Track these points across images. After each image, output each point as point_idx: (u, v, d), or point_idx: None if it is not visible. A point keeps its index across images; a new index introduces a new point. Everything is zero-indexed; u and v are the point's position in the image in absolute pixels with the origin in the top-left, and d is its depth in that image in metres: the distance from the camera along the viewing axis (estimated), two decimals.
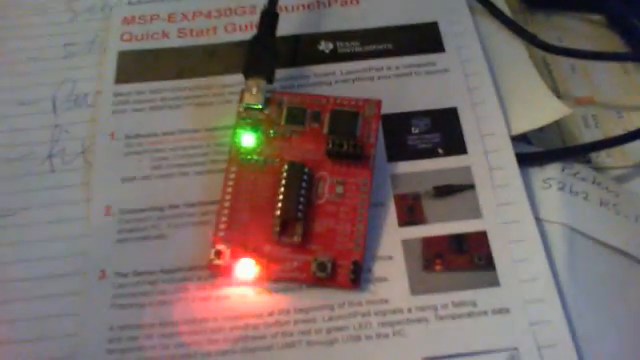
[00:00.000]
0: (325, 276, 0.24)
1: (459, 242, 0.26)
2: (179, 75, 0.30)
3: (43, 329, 0.24)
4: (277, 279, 0.25)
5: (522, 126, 0.29)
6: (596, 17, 0.36)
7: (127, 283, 0.25)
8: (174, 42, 0.31)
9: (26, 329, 0.24)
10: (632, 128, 0.30)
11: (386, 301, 0.25)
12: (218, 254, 0.25)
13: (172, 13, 0.32)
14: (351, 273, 0.25)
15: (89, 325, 0.24)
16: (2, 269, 0.26)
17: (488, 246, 0.26)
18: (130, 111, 0.29)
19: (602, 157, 0.31)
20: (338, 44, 0.31)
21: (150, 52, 0.31)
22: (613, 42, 0.35)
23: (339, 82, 0.30)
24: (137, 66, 0.31)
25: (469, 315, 0.24)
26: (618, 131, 0.31)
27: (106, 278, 0.25)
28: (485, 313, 0.24)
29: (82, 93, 0.30)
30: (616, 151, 0.31)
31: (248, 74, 0.27)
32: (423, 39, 0.31)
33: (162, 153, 0.28)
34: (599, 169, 0.30)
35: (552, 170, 0.28)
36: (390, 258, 0.25)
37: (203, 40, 0.31)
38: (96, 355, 0.24)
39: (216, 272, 0.25)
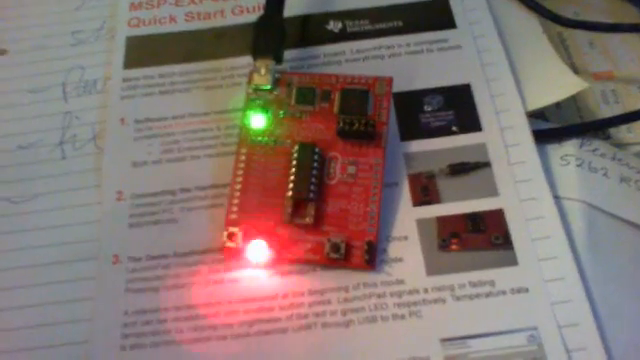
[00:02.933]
0: (339, 257, 0.24)
1: (475, 221, 0.25)
2: (187, 59, 0.30)
3: (58, 315, 0.24)
4: (290, 261, 0.25)
5: (538, 102, 0.28)
6: None
7: (140, 267, 0.25)
8: (182, 26, 0.31)
9: (41, 315, 0.24)
10: None
11: (402, 282, 0.24)
12: (231, 236, 0.25)
13: None
14: (365, 254, 0.24)
15: (104, 310, 0.24)
16: (16, 256, 0.26)
17: (505, 224, 0.25)
18: (139, 96, 0.29)
19: (622, 132, 0.30)
20: (347, 23, 0.31)
21: (158, 36, 0.31)
22: (631, 15, 0.34)
23: (349, 61, 0.29)
24: (145, 51, 0.30)
25: (487, 295, 0.24)
26: (639, 106, 0.30)
27: (120, 263, 0.25)
28: (503, 293, 0.24)
29: (91, 79, 0.30)
30: (637, 126, 0.30)
31: (256, 55, 0.27)
32: (434, 15, 0.31)
33: (172, 137, 0.28)
34: (619, 145, 0.29)
35: (570, 147, 0.28)
36: (405, 238, 0.25)
37: (211, 23, 0.31)
38: (111, 340, 0.24)
39: (229, 255, 0.25)
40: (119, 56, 0.30)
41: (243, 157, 0.26)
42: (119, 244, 0.26)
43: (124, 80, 0.29)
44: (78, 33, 0.32)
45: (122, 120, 0.28)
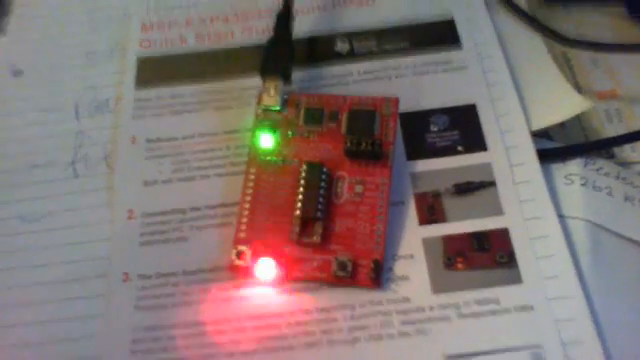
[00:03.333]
0: (346, 275, 0.24)
1: (480, 240, 0.26)
2: (198, 79, 0.31)
3: (68, 331, 0.25)
4: (298, 279, 0.25)
5: (542, 121, 0.29)
6: (615, 9, 0.35)
7: (150, 285, 0.25)
8: (192, 47, 0.32)
9: (51, 331, 0.25)
10: None
11: (408, 300, 0.24)
12: (239, 255, 0.25)
13: (189, 18, 0.33)
14: (372, 272, 0.24)
15: (113, 327, 0.25)
16: (28, 273, 0.26)
17: (510, 243, 0.25)
18: (150, 116, 0.30)
19: (626, 152, 0.30)
20: (354, 44, 0.31)
21: (169, 57, 0.32)
22: (635, 34, 0.34)
23: (356, 82, 0.30)
24: (156, 71, 0.31)
25: (492, 313, 0.24)
26: None
27: (129, 281, 0.26)
28: (508, 311, 0.24)
29: (104, 99, 0.31)
30: None
31: (265, 76, 0.27)
32: (440, 36, 0.31)
33: (183, 156, 0.28)
34: (623, 164, 0.29)
35: (574, 166, 0.28)
36: (411, 257, 0.25)
37: (220, 44, 0.32)
38: (120, 356, 0.24)
39: (237, 273, 0.25)
40: (130, 76, 0.31)
41: (252, 176, 0.26)
42: (129, 262, 0.26)
43: (136, 100, 0.30)
44: (91, 54, 0.32)
45: (133, 139, 0.29)
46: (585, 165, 0.28)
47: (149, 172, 0.28)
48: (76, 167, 0.29)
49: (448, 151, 0.28)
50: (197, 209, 0.27)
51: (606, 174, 0.28)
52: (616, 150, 0.30)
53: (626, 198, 0.27)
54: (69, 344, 0.25)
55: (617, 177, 0.28)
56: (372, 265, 0.25)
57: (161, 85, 0.31)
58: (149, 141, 0.29)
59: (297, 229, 0.25)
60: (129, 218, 0.27)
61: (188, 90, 0.30)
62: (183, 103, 0.30)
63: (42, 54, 0.33)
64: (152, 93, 0.30)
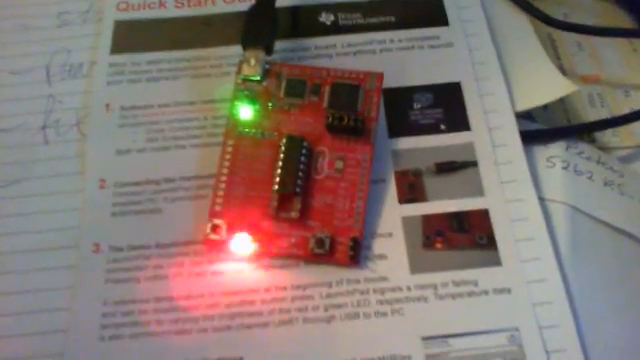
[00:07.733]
0: (323, 253, 0.24)
1: (460, 220, 0.25)
2: (176, 46, 0.30)
3: (36, 303, 0.24)
4: (274, 255, 0.24)
5: (526, 103, 0.28)
6: None
7: (122, 257, 0.25)
8: (171, 12, 0.31)
9: (19, 303, 0.24)
10: (639, 107, 0.29)
11: (385, 279, 0.24)
12: (214, 229, 0.24)
13: None
14: (350, 250, 0.24)
15: (83, 299, 0.24)
16: None
17: (490, 225, 0.25)
18: (126, 82, 0.29)
19: (608, 136, 0.30)
20: (339, 16, 0.30)
21: (147, 22, 0.30)
22: (621, 19, 0.34)
23: (340, 55, 0.29)
24: (133, 36, 0.30)
25: (469, 295, 0.24)
26: (625, 110, 0.30)
27: (100, 252, 0.25)
28: (486, 293, 0.24)
29: (77, 63, 0.30)
30: (622, 130, 0.30)
31: (246, 45, 0.27)
32: (427, 12, 0.30)
33: (158, 125, 0.27)
34: (604, 148, 0.30)
35: (556, 149, 0.28)
36: (390, 235, 0.25)
37: (201, 10, 0.31)
38: (89, 330, 0.23)
39: (212, 247, 0.25)
40: (106, 40, 0.30)
41: (229, 148, 0.26)
42: (101, 233, 0.25)
43: (110, 65, 0.29)
44: (64, 14, 0.31)
45: (107, 106, 0.28)
46: (567, 148, 0.28)
47: (122, 140, 0.27)
48: (46, 133, 0.28)
49: (431, 129, 0.27)
50: (171, 180, 0.26)
51: (587, 158, 0.28)
52: (597, 134, 0.30)
53: (605, 183, 0.27)
54: (35, 317, 0.24)
55: (598, 161, 0.28)
56: (350, 243, 0.24)
57: (138, 50, 0.29)
58: (123, 108, 0.28)
59: (275, 204, 0.24)
60: (101, 187, 0.26)
61: (166, 56, 0.29)
62: (160, 70, 0.29)
63: (11, 12, 0.31)
64: (128, 58, 0.29)
